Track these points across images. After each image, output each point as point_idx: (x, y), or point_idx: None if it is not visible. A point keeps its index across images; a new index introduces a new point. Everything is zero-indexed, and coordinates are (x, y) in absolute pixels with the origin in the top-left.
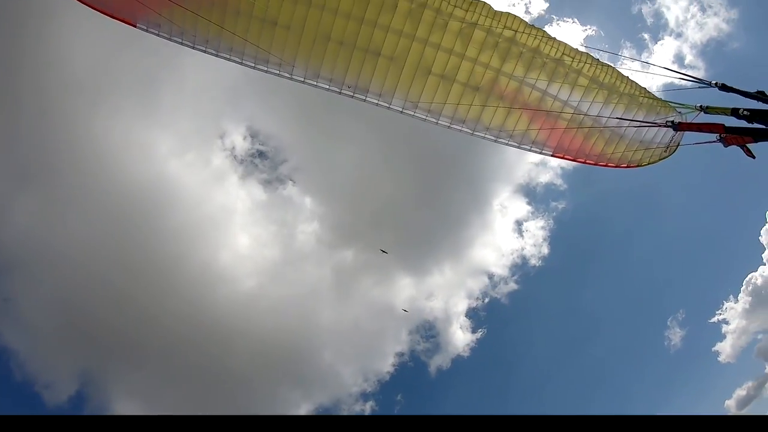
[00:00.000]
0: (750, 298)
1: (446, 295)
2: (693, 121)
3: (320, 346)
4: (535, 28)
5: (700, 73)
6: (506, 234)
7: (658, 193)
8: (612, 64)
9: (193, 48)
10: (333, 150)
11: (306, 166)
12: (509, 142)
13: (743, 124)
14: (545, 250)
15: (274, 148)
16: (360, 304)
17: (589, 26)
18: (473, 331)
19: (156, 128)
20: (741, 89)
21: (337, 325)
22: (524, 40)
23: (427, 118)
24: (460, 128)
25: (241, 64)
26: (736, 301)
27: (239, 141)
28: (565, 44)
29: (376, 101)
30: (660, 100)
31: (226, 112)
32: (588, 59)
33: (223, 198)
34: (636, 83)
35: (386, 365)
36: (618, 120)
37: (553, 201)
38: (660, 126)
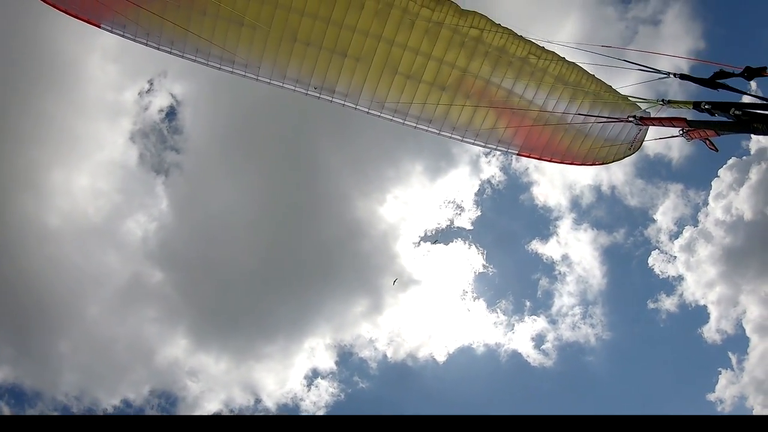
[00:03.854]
0: None
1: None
2: (656, 116)
3: (61, 333)
4: (501, 27)
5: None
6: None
7: None
8: (577, 62)
9: (158, 49)
10: None
11: None
12: (475, 141)
13: (706, 117)
14: None
15: None
16: (131, 327)
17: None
18: None
19: None
20: (699, 77)
21: (93, 327)
22: (490, 39)
23: (394, 118)
24: (426, 128)
25: (206, 65)
26: None
27: None
28: (532, 43)
29: (342, 102)
30: (624, 97)
31: None
32: (554, 57)
33: None
34: (601, 81)
35: (107, 401)
36: (583, 117)
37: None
38: (623, 121)
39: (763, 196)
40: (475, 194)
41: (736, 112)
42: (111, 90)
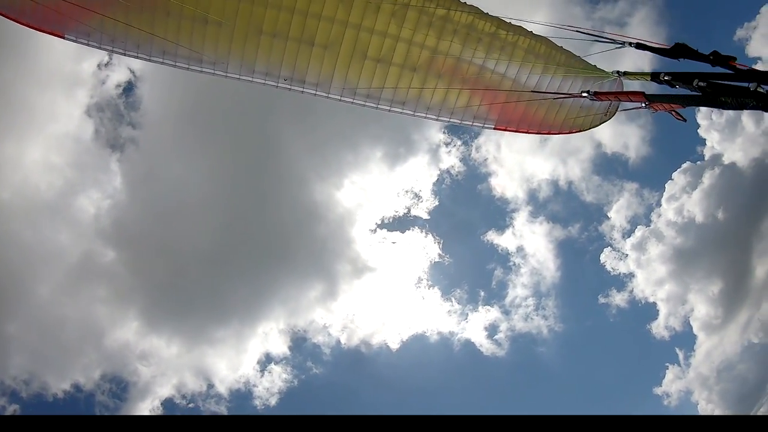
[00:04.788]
0: None
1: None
2: (612, 90)
3: (8, 313)
4: (467, 5)
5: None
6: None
7: None
8: (546, 36)
9: (125, 54)
10: None
11: None
12: (451, 119)
13: (666, 89)
14: None
15: None
16: (81, 307)
17: None
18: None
19: None
20: (657, 46)
21: (42, 307)
22: (458, 17)
23: (367, 103)
24: (400, 110)
25: (174, 66)
26: None
27: None
28: (500, 19)
29: (313, 92)
30: (593, 67)
31: None
32: (523, 31)
33: None
34: (571, 53)
35: (57, 385)
36: (552, 82)
37: None
38: (576, 96)
39: (715, 201)
40: (434, 183)
41: (700, 84)
42: (69, 60)
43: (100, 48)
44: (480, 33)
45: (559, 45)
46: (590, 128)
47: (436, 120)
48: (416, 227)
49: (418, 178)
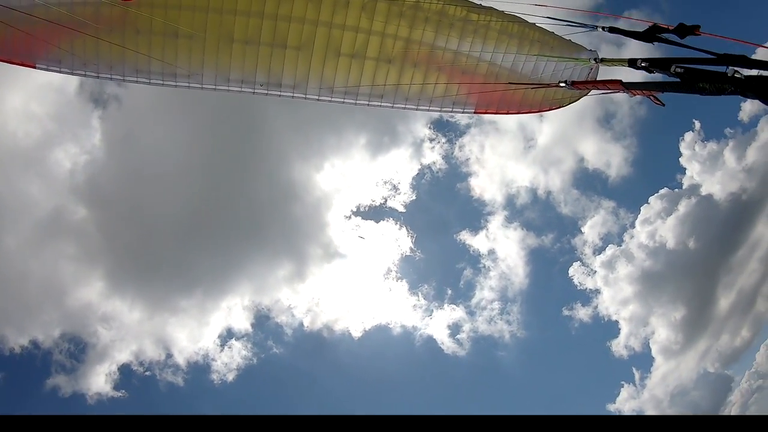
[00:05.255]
0: None
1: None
2: (588, 78)
3: None
4: None
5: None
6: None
7: None
8: (517, 14)
9: (98, 77)
10: None
11: None
12: (430, 108)
13: (643, 74)
14: None
15: None
16: (46, 263)
17: None
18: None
19: None
20: (630, 30)
21: (6, 259)
22: (428, 5)
23: (345, 100)
24: (379, 104)
25: (149, 83)
26: None
27: None
28: (470, 2)
29: (291, 94)
30: (568, 42)
31: None
32: (494, 12)
33: None
34: (544, 29)
35: (15, 340)
36: (528, 59)
37: None
38: (553, 87)
39: (688, 229)
40: (414, 177)
41: (678, 69)
42: None
43: (72, 74)
44: (452, 18)
45: (532, 23)
46: (569, 104)
47: (416, 110)
48: (391, 219)
49: (398, 169)
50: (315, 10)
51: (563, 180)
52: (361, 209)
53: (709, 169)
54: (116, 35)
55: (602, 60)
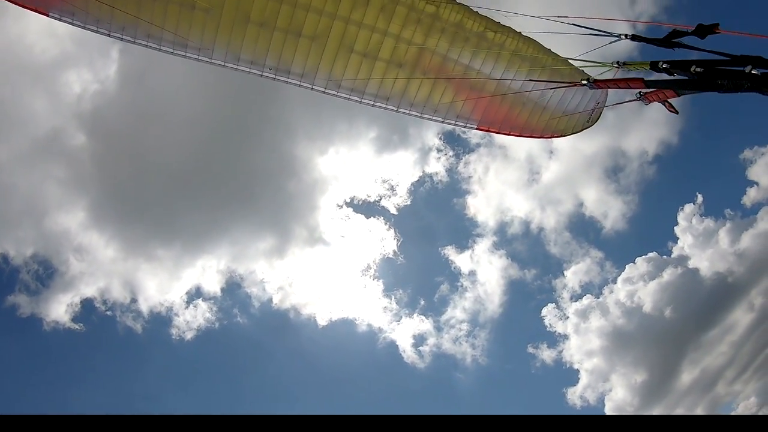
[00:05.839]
0: None
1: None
2: (610, 78)
3: None
4: (457, 4)
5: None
6: None
7: None
8: (531, 33)
9: (109, 36)
10: None
11: None
12: (434, 117)
13: (664, 77)
14: None
15: None
16: (34, 180)
17: None
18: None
19: None
20: (653, 38)
21: None
22: (447, 15)
23: (351, 96)
24: (384, 105)
25: (158, 50)
26: None
27: None
28: (488, 18)
29: (298, 82)
30: (578, 69)
31: None
32: (510, 32)
33: None
34: (557, 54)
35: None
36: (537, 85)
37: None
38: (577, 85)
39: (667, 297)
40: (413, 183)
41: (698, 69)
42: None
43: (84, 28)
44: (468, 32)
45: (547, 48)
46: (572, 133)
47: (419, 117)
48: (382, 218)
49: (400, 171)
50: (334, 4)
51: (558, 220)
52: (355, 202)
53: (701, 245)
54: (132, 1)
55: (624, 63)
